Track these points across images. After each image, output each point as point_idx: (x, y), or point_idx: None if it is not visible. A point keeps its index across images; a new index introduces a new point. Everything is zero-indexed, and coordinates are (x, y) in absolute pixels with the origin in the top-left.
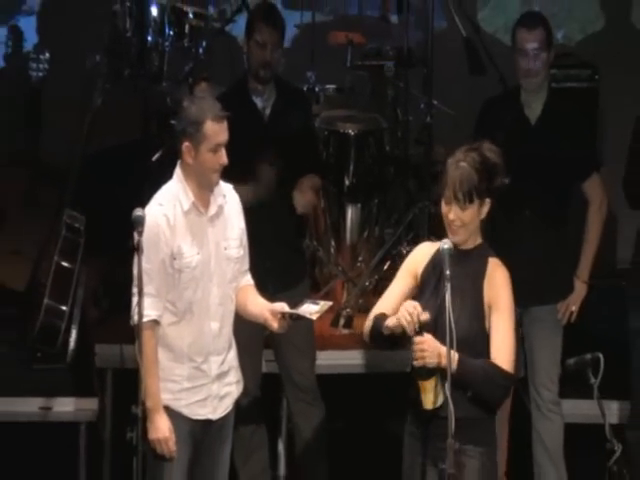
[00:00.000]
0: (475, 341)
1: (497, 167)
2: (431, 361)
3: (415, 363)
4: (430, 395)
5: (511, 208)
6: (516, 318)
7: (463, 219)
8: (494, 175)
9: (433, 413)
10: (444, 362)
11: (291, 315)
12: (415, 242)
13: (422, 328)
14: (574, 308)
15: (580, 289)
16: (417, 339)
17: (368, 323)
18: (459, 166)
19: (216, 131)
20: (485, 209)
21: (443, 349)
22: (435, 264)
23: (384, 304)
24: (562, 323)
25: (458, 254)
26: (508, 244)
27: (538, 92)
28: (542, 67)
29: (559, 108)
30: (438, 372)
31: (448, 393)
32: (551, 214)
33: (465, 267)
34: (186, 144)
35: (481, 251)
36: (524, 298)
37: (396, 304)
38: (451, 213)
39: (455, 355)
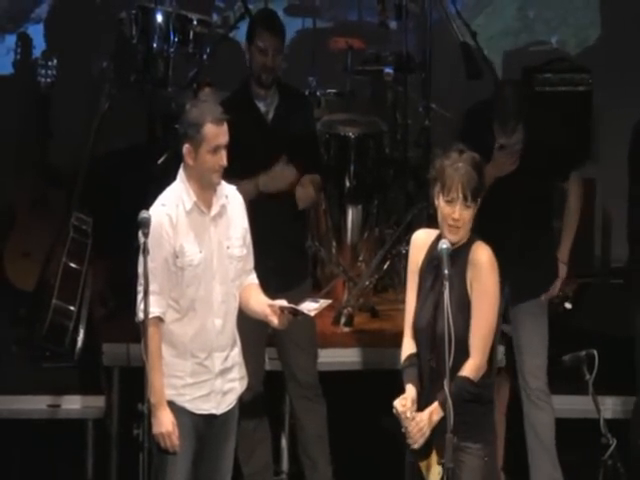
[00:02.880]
0: (466, 338)
1: (484, 167)
2: (427, 434)
3: (415, 446)
4: (435, 470)
5: (502, 206)
6: (500, 311)
7: (465, 218)
8: (483, 174)
9: None
10: (434, 418)
11: (290, 311)
12: None
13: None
14: (557, 288)
15: (562, 270)
16: (413, 423)
17: (403, 362)
18: (459, 167)
19: (215, 133)
20: (476, 208)
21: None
22: (431, 259)
23: (408, 319)
24: (546, 302)
25: (451, 256)
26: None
27: None
28: None
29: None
30: (434, 446)
31: (447, 389)
32: (539, 210)
33: (455, 265)
34: (187, 146)
35: (468, 242)
36: (517, 295)
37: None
38: (456, 213)
39: (435, 405)
